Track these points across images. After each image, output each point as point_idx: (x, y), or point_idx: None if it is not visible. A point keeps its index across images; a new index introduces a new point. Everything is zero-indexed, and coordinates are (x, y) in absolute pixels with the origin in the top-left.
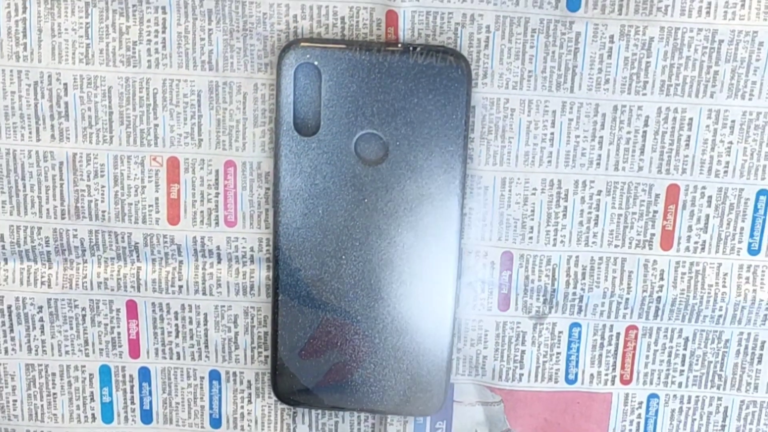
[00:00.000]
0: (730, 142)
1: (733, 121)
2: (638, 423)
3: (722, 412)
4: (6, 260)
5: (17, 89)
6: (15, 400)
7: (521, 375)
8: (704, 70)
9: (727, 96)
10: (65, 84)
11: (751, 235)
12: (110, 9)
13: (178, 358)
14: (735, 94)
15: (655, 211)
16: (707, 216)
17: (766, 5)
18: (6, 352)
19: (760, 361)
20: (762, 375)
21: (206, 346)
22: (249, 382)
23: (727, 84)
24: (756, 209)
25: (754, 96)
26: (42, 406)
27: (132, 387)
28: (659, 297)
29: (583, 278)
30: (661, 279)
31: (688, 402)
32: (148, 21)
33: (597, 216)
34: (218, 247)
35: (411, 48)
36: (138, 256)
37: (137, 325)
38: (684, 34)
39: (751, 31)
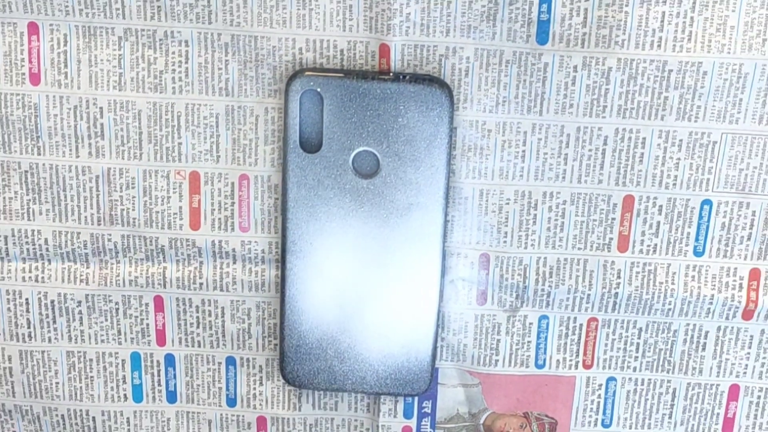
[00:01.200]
0: (678, 159)
1: (680, 140)
2: (598, 402)
3: (671, 393)
4: (49, 261)
5: (59, 112)
6: (57, 383)
7: (497, 361)
8: (656, 95)
9: (676, 118)
10: (101, 108)
11: (696, 239)
12: (140, 42)
13: (199, 346)
14: (682, 116)
15: (613, 219)
16: (658, 222)
17: (710, 40)
18: (50, 340)
19: (704, 349)
20: (705, 360)
21: (223, 336)
22: (260, 366)
23: (675, 108)
24: (701, 217)
25: (699, 118)
26: (81, 387)
27: (159, 371)
28: (616, 293)
29: (551, 277)
30: (618, 277)
31: (642, 384)
32: (173, 53)
33: (562, 223)
34: (234, 250)
35: (401, 76)
36: (164, 258)
37: (163, 318)
38: (638, 65)
39: (697, 62)
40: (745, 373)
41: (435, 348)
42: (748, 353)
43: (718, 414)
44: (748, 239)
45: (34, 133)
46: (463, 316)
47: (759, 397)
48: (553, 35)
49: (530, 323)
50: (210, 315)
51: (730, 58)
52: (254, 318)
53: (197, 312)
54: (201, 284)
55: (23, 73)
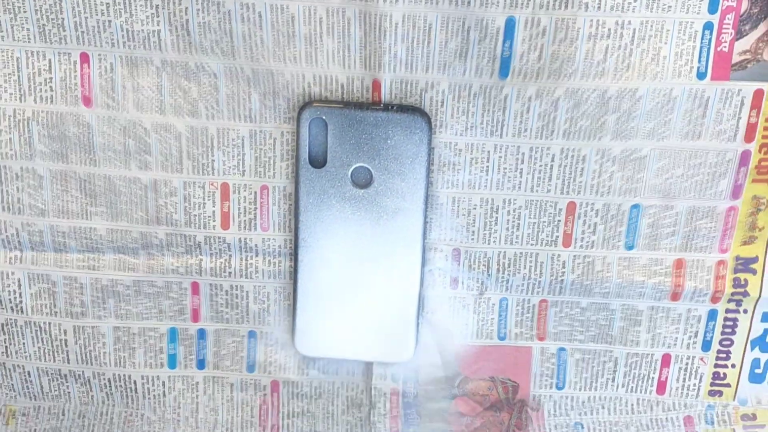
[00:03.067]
0: (612, 172)
1: (614, 157)
2: (552, 369)
3: (613, 361)
4: (103, 252)
5: (111, 132)
6: (105, 352)
7: (467, 334)
8: (595, 120)
9: (611, 138)
10: (146, 128)
11: (627, 236)
12: (175, 72)
13: (227, 322)
14: (617, 136)
15: (559, 220)
16: (595, 223)
17: (645, 68)
18: (100, 318)
19: (639, 325)
20: (641, 334)
21: (247, 314)
22: (276, 339)
23: (611, 129)
24: (630, 218)
25: (631, 138)
26: (124, 356)
27: (192, 343)
28: (562, 280)
29: (509, 267)
30: (563, 267)
31: (588, 354)
32: (204, 83)
33: (518, 224)
34: (256, 245)
35: (390, 106)
36: (200, 252)
37: (199, 299)
38: (582, 94)
39: (633, 88)
40: (675, 344)
41: (417, 324)
42: (677, 328)
43: (653, 378)
44: (673, 235)
45: (89, 147)
46: (439, 299)
47: (687, 363)
48: (512, 70)
49: (493, 304)
50: (237, 297)
51: (662, 84)
52: (272, 300)
53: (226, 295)
54: (230, 273)
55: (77, 96)
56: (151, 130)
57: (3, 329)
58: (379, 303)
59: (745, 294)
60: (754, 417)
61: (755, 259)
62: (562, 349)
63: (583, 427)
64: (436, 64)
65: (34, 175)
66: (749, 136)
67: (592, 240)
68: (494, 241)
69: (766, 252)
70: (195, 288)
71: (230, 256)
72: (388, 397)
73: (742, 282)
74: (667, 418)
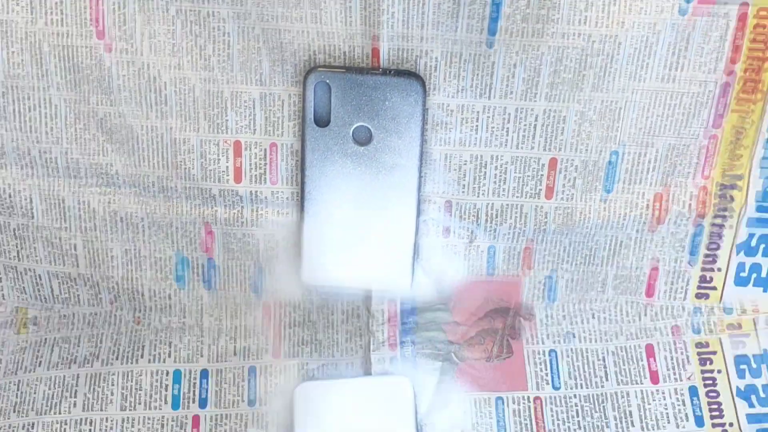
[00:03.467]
0: (590, 131)
1: (594, 110)
2: (543, 289)
3: (600, 281)
4: (119, 187)
5: (127, 73)
6: (113, 266)
7: (460, 275)
8: (577, 73)
9: (591, 91)
10: (164, 81)
11: (606, 181)
12: (189, 19)
13: (238, 259)
14: (596, 88)
15: (542, 175)
16: (574, 178)
17: (624, 17)
18: (111, 240)
19: (626, 248)
20: (628, 257)
21: (258, 255)
22: (283, 271)
23: (591, 82)
24: (609, 165)
25: (610, 89)
26: (131, 270)
27: (201, 268)
28: (545, 228)
29: (496, 217)
30: (546, 217)
31: (577, 274)
32: (218, 41)
33: (505, 178)
34: (266, 197)
35: (388, 71)
36: (215, 203)
37: (212, 240)
38: (565, 49)
39: (618, 27)
40: (662, 257)
41: (413, 266)
42: (664, 243)
43: (642, 281)
44: (653, 170)
45: (106, 88)
46: (433, 246)
47: (674, 267)
48: (500, 27)
49: (482, 251)
50: (249, 245)
51: (647, 17)
52: (281, 247)
53: (239, 242)
54: (242, 222)
55: (86, 19)
56: (170, 84)
57: (15, 234)
58: (378, 250)
59: (731, 209)
60: (739, 326)
61: (740, 177)
62: (549, 277)
63: (574, 337)
64: (429, 24)
65: (48, 103)
66: (734, 58)
67: (572, 192)
68: (483, 194)
69: (750, 168)
70: (209, 231)
71: (242, 207)
72: (386, 305)
73: (728, 198)
74: (655, 327)
